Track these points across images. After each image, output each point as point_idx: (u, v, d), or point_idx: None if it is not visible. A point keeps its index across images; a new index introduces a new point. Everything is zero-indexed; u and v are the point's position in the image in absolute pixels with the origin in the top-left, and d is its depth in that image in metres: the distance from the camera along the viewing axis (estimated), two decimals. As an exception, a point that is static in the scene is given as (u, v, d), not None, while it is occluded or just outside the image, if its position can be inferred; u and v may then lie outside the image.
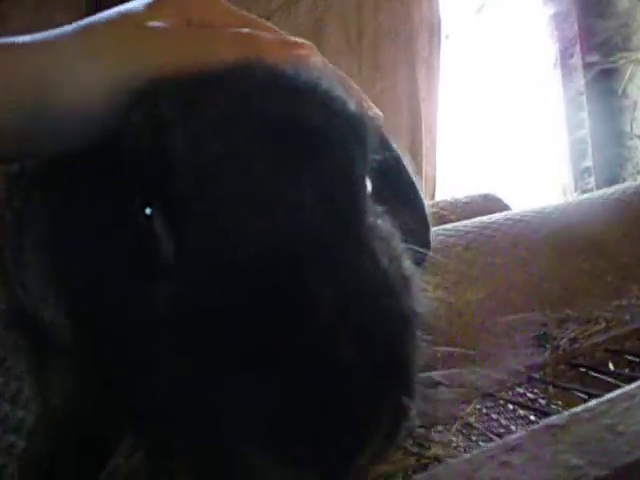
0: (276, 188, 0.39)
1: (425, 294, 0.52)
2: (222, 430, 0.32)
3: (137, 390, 0.37)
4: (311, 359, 0.33)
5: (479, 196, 1.76)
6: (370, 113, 0.67)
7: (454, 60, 3.56)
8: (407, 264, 0.49)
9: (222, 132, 0.41)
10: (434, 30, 3.32)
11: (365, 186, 0.49)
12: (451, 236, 1.07)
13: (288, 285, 0.34)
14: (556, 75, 3.65)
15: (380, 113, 0.74)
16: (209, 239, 0.37)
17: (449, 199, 1.80)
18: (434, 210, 1.71)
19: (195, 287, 0.36)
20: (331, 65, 0.70)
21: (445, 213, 1.50)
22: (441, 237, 1.05)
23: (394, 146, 0.72)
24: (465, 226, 1.12)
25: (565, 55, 3.58)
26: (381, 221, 0.49)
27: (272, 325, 0.34)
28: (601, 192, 1.29)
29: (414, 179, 0.72)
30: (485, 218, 1.17)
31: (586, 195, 1.28)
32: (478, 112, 3.53)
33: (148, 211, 0.41)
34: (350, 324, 0.35)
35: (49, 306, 0.52)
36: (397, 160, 0.71)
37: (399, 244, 0.50)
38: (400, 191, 0.68)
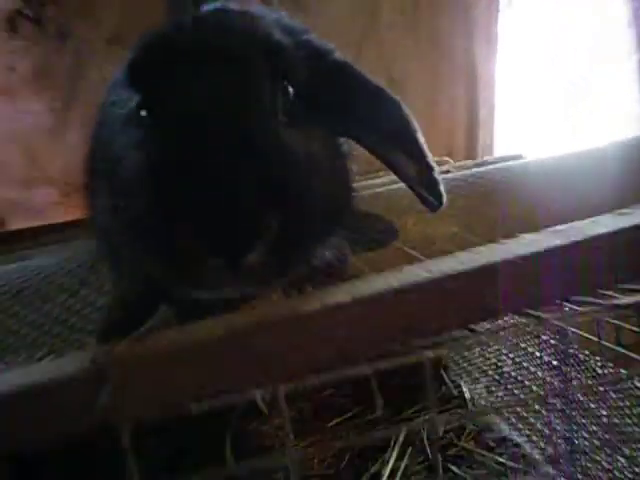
0: (198, 87, 0.62)
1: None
2: (166, 235, 0.54)
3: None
4: (217, 200, 0.54)
5: (510, 157, 1.85)
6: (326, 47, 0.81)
7: (516, 27, 3.50)
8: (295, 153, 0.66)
9: (177, 60, 0.65)
10: (492, 2, 3.31)
11: (275, 84, 0.67)
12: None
13: (201, 143, 0.56)
14: (629, 37, 3.48)
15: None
16: (166, 120, 0.61)
17: (478, 160, 1.90)
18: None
19: (157, 149, 0.63)
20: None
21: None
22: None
23: (370, 82, 0.83)
24: (461, 175, 1.26)
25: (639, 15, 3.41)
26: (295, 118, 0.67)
27: (195, 167, 0.55)
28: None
29: (408, 121, 0.83)
30: (481, 169, 1.30)
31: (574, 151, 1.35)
32: (540, 82, 3.46)
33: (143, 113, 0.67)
34: (236, 171, 0.54)
35: (108, 219, 0.78)
36: (371, 93, 0.83)
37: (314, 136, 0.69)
38: (386, 130, 0.81)
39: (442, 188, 0.78)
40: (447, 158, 2.31)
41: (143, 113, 0.64)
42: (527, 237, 0.63)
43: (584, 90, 3.26)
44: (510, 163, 1.28)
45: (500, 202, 1.16)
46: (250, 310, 0.50)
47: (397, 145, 0.81)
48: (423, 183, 0.78)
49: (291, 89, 0.68)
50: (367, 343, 0.54)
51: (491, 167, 1.29)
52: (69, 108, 3.02)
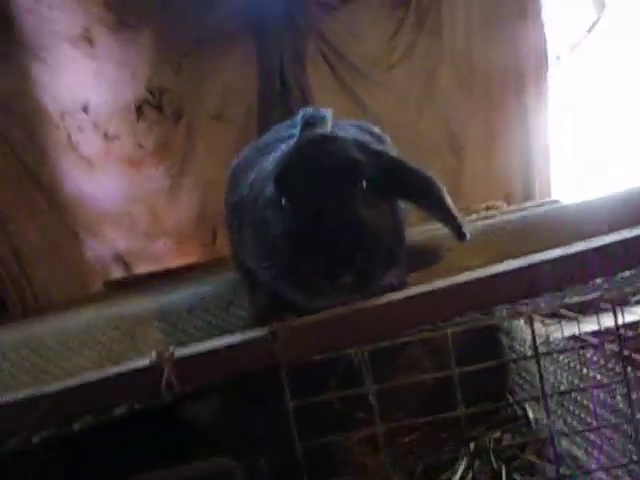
0: (315, 190, 1.09)
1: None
2: (302, 269, 1.01)
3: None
4: (327, 247, 1.01)
5: (548, 202, 2.21)
6: (382, 150, 1.28)
7: (566, 80, 3.80)
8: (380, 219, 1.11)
9: (302, 173, 1.12)
10: (541, 55, 3.68)
11: (357, 184, 1.13)
12: (480, 227, 1.64)
13: (318, 217, 1.04)
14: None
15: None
16: (298, 208, 1.09)
17: (522, 206, 2.27)
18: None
19: (295, 226, 1.08)
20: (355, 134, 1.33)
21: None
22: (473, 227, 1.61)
23: (412, 168, 1.29)
24: (492, 221, 1.67)
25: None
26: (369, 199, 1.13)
27: (317, 234, 1.03)
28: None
29: (434, 188, 1.28)
30: (507, 217, 1.70)
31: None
32: (592, 128, 3.70)
33: (283, 201, 1.14)
34: (337, 231, 1.02)
35: (252, 260, 1.27)
36: (414, 177, 1.27)
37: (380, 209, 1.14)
38: (424, 198, 1.26)
39: (463, 229, 1.22)
40: (499, 203, 2.65)
41: (284, 202, 1.12)
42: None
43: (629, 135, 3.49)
44: (533, 212, 1.62)
45: (523, 243, 1.55)
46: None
47: (432, 208, 1.26)
48: (451, 226, 1.23)
49: (365, 183, 1.14)
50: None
51: (516, 215, 1.66)
52: (182, 174, 3.71)
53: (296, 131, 1.38)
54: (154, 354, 0.96)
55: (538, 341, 2.28)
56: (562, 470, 1.91)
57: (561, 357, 1.96)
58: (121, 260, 3.72)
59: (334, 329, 0.95)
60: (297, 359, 0.95)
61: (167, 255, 3.76)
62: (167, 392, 0.94)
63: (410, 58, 3.68)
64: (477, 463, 2.08)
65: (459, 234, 1.21)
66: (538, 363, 1.14)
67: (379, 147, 1.27)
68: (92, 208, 3.63)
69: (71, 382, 0.97)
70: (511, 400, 2.37)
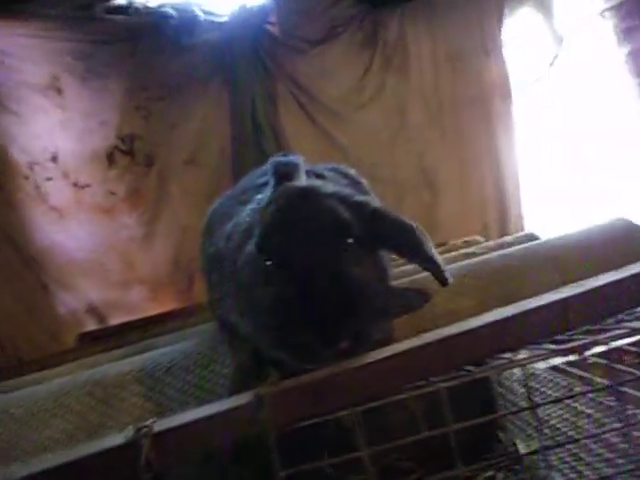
0: (302, 252, 1.05)
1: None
2: (293, 337, 0.96)
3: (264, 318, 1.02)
4: (321, 313, 0.96)
5: (523, 236, 2.22)
6: (366, 202, 1.25)
7: (534, 108, 3.91)
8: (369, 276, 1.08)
9: (287, 233, 1.08)
10: (505, 88, 3.79)
11: (344, 242, 1.10)
12: (462, 267, 1.62)
13: (308, 282, 0.99)
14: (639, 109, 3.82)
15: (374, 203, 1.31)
16: (284, 270, 1.04)
17: (499, 240, 2.27)
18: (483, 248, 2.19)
19: (281, 288, 1.03)
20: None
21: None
22: (456, 269, 1.60)
23: (396, 219, 1.26)
24: (474, 262, 1.66)
25: (645, 88, 3.76)
26: (357, 257, 1.10)
27: (306, 299, 0.98)
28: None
29: (417, 238, 1.26)
30: (487, 256, 1.69)
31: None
32: (559, 158, 3.80)
33: (268, 263, 1.09)
34: (330, 296, 0.97)
35: (234, 315, 1.21)
36: (397, 229, 1.25)
37: (368, 265, 1.11)
38: (407, 248, 1.23)
39: (445, 274, 1.20)
40: (478, 237, 2.66)
41: (268, 263, 1.07)
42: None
43: (599, 162, 3.58)
44: (510, 250, 1.62)
45: (506, 282, 1.54)
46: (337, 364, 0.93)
47: (416, 254, 1.24)
48: (434, 274, 1.20)
49: (351, 240, 1.12)
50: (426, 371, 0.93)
51: (496, 253, 1.65)
52: (156, 220, 3.65)
53: (269, 184, 1.35)
54: (130, 429, 0.88)
55: (522, 374, 2.26)
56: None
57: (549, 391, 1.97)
58: (95, 311, 3.60)
59: (324, 391, 0.90)
60: (286, 425, 0.89)
61: (142, 304, 3.65)
62: (146, 472, 0.86)
63: (380, 96, 3.75)
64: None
65: (442, 280, 1.19)
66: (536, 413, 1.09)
67: (360, 197, 1.25)
68: (63, 259, 3.52)
69: (34, 467, 0.89)
70: (501, 437, 2.35)
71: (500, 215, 3.65)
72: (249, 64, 3.74)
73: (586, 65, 4.00)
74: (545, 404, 1.62)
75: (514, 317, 0.96)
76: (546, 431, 2.19)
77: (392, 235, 1.22)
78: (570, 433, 2.01)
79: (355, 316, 1.00)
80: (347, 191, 1.25)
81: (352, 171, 1.68)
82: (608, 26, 3.76)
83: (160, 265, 3.65)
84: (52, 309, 3.49)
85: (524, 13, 4.16)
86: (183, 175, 3.70)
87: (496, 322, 0.98)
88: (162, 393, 1.34)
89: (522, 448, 2.30)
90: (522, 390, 2.24)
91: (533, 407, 1.10)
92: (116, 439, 0.89)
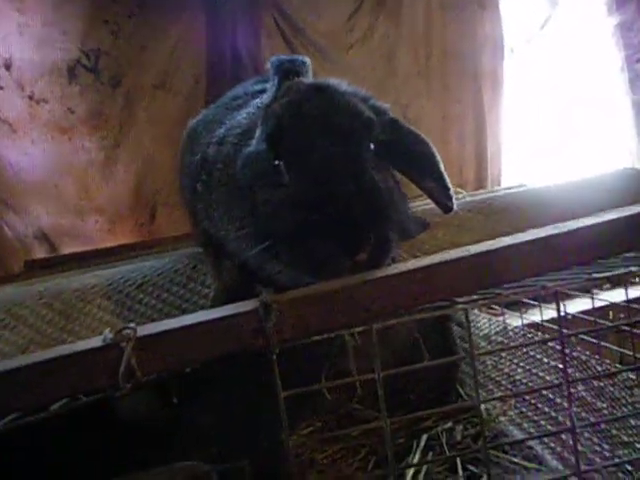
0: (322, 149, 0.90)
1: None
2: (309, 243, 0.83)
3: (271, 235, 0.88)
4: (340, 220, 0.83)
5: (517, 186, 2.16)
6: (385, 107, 1.11)
7: (520, 71, 3.85)
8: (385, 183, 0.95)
9: (303, 128, 0.93)
10: (497, 45, 3.68)
11: (367, 144, 0.97)
12: (466, 203, 1.54)
13: (328, 184, 0.85)
14: (622, 80, 3.81)
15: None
16: (299, 170, 0.89)
17: (491, 190, 2.21)
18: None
19: (295, 190, 0.88)
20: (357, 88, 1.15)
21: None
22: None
23: (413, 131, 1.13)
24: (478, 199, 1.57)
25: (631, 60, 3.75)
26: (376, 166, 0.97)
27: (326, 202, 0.84)
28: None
29: (433, 153, 1.13)
30: (492, 194, 1.61)
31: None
32: (544, 119, 3.78)
33: (276, 162, 0.94)
34: (353, 201, 0.84)
35: (223, 229, 1.06)
36: (414, 139, 1.12)
37: (386, 178, 0.98)
38: (420, 162, 1.11)
39: (452, 196, 1.10)
40: (460, 189, 2.59)
41: (279, 163, 0.92)
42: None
43: (582, 126, 3.58)
44: (514, 191, 1.56)
45: (506, 221, 1.46)
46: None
47: (427, 173, 1.12)
48: (442, 194, 1.09)
49: (372, 146, 0.98)
50: (422, 296, 0.82)
51: (500, 193, 1.58)
52: (118, 145, 3.37)
53: (271, 84, 1.18)
54: (108, 332, 0.74)
55: (496, 329, 2.24)
56: (516, 460, 1.93)
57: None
58: (45, 238, 3.33)
59: (336, 303, 0.77)
60: (292, 339, 0.76)
61: (99, 235, 3.41)
62: (126, 380, 0.72)
63: (369, 40, 3.56)
64: (430, 454, 2.03)
65: (447, 205, 1.08)
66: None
67: (379, 102, 1.11)
68: (13, 179, 3.22)
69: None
70: (461, 391, 2.35)
71: (478, 171, 3.59)
72: (232, -13, 3.45)
73: (576, 31, 3.95)
74: (495, 352, 1.57)
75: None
76: (509, 385, 2.19)
77: (408, 146, 1.09)
78: (530, 384, 2.00)
79: (378, 226, 0.88)
80: (366, 93, 1.11)
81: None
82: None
83: (120, 195, 3.40)
84: (-2, 232, 3.21)
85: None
86: (152, 100, 3.42)
87: (522, 244, 0.87)
88: (132, 310, 1.19)
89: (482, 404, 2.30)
90: (482, 343, 2.22)
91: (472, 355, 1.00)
92: (92, 341, 0.75)
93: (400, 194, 1.06)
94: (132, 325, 0.74)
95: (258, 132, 1.06)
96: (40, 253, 3.31)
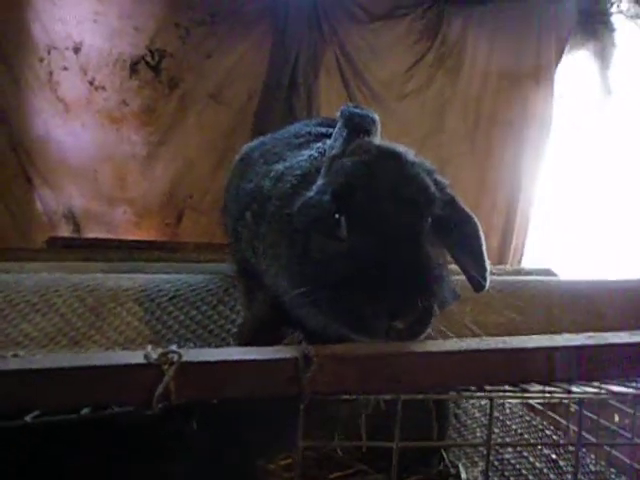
0: (387, 214, 0.93)
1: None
2: (354, 297, 0.85)
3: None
4: (392, 285, 0.86)
5: (542, 269, 2.17)
6: (445, 184, 1.14)
7: (563, 150, 3.87)
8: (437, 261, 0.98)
9: (371, 191, 0.96)
10: (545, 122, 3.73)
11: (427, 218, 1.00)
12: (494, 286, 1.55)
13: (386, 249, 0.88)
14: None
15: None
16: (361, 228, 0.93)
17: (516, 267, 2.22)
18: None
19: (352, 245, 0.91)
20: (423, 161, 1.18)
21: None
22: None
23: (466, 211, 1.16)
24: (510, 279, 1.59)
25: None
26: (430, 239, 1.00)
27: (380, 263, 0.87)
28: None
29: (479, 235, 1.16)
30: (525, 278, 1.63)
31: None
32: (579, 203, 3.75)
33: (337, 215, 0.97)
34: (406, 269, 0.87)
35: (265, 263, 1.09)
36: (466, 218, 1.15)
37: (437, 253, 1.00)
38: (466, 240, 1.13)
39: (488, 279, 1.11)
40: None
41: (340, 219, 0.95)
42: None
43: (615, 222, 3.56)
44: (547, 278, 1.58)
45: (532, 308, 1.48)
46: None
47: (469, 250, 1.14)
48: (478, 273, 1.11)
49: (430, 219, 1.01)
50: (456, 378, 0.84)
51: (532, 278, 1.60)
52: (163, 144, 3.46)
53: (338, 134, 1.22)
54: (152, 351, 0.76)
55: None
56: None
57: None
58: (73, 219, 3.40)
59: (373, 369, 0.79)
60: (324, 394, 0.78)
61: (125, 226, 3.47)
62: (160, 402, 0.74)
63: (424, 93, 3.63)
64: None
65: (480, 284, 1.10)
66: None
67: (440, 177, 1.14)
68: (56, 157, 3.30)
69: (31, 362, 0.76)
70: (445, 457, 2.32)
71: (503, 243, 3.60)
72: (302, 18, 3.57)
73: (629, 122, 3.96)
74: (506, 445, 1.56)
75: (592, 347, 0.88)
76: (495, 462, 2.16)
77: (458, 223, 1.12)
78: (518, 467, 1.97)
79: (425, 298, 0.90)
80: (429, 165, 1.15)
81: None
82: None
83: (153, 191, 3.47)
84: (29, 204, 3.28)
85: (582, 56, 4.11)
86: (204, 108, 3.51)
87: (577, 347, 0.89)
88: (161, 321, 1.22)
89: (463, 472, 2.27)
90: (477, 414, 2.20)
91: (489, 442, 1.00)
92: (135, 356, 0.77)
93: (447, 270, 1.09)
94: (177, 349, 0.76)
95: (321, 181, 1.09)
96: (65, 232, 3.37)
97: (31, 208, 3.30)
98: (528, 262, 3.70)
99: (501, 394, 0.85)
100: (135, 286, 1.27)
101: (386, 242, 0.91)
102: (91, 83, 3.33)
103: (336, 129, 1.23)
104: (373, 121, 1.21)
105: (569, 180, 3.80)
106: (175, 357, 0.75)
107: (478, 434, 2.26)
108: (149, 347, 0.78)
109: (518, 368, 0.83)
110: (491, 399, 0.88)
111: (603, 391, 0.90)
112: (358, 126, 1.17)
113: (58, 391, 0.76)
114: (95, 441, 0.96)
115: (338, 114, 1.27)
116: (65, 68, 3.27)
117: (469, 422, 2.20)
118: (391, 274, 0.88)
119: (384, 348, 0.81)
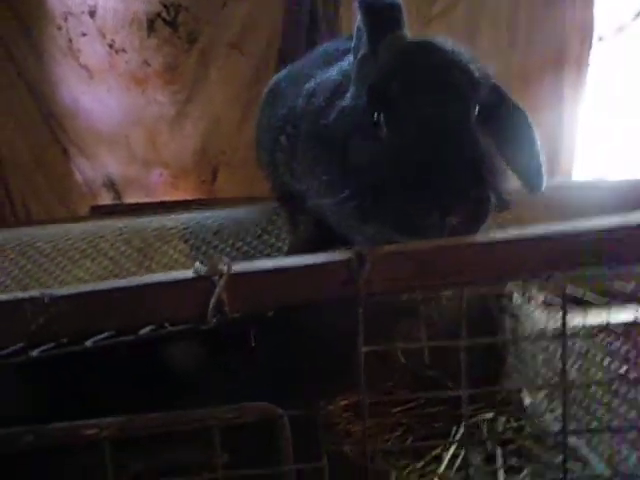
0: (430, 104, 0.87)
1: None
2: (402, 199, 0.80)
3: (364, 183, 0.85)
4: (440, 179, 0.80)
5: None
6: (489, 71, 1.06)
7: (606, 62, 3.63)
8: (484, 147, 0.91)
9: (410, 82, 0.90)
10: (586, 34, 3.47)
11: (474, 105, 0.93)
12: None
13: (431, 148, 0.82)
14: None
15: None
16: (402, 123, 0.87)
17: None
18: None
19: (394, 143, 0.86)
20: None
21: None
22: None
23: (513, 100, 1.08)
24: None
25: None
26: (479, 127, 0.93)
27: (427, 159, 0.81)
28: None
29: (531, 125, 1.08)
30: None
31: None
32: (626, 113, 3.56)
33: (377, 115, 0.91)
34: (456, 162, 0.81)
35: (306, 182, 1.06)
36: (514, 107, 1.08)
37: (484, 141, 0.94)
38: (517, 132, 1.06)
39: (544, 178, 1.04)
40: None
41: (378, 118, 0.89)
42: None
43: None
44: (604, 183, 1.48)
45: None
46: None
47: (522, 148, 1.06)
48: (534, 172, 1.03)
49: (477, 107, 0.94)
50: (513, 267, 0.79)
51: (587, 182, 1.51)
52: (190, 101, 3.42)
53: (360, 30, 1.11)
54: (201, 265, 0.74)
55: (550, 327, 2.15)
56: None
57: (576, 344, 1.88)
58: (112, 186, 3.44)
59: (434, 263, 0.75)
60: (381, 293, 0.75)
61: (162, 187, 3.49)
62: (214, 314, 0.73)
63: (451, 14, 3.43)
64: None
65: (537, 185, 1.03)
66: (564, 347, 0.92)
67: (483, 65, 1.06)
68: (87, 125, 3.32)
69: (89, 287, 0.75)
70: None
71: (549, 161, 3.43)
72: (316, -49, 3.39)
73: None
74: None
75: None
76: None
77: (507, 116, 1.05)
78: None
79: (477, 189, 0.84)
80: (472, 54, 1.07)
81: None
82: None
83: (186, 151, 3.45)
84: (68, 175, 3.33)
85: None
86: (226, 59, 3.43)
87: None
88: (207, 255, 1.21)
89: (526, 398, 2.25)
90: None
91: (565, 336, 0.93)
92: (183, 273, 0.75)
93: (500, 162, 1.02)
94: (227, 259, 0.74)
95: (353, 87, 1.03)
96: (106, 200, 3.42)
97: (71, 179, 3.35)
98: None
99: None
100: (178, 225, 1.26)
101: (430, 134, 0.85)
102: (111, 46, 3.29)
103: (356, 26, 1.12)
104: (398, 7, 1.08)
105: (617, 89, 3.57)
106: (225, 268, 0.73)
107: (540, 357, 2.21)
108: (197, 263, 0.77)
109: (590, 251, 0.77)
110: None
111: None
112: (382, 16, 1.06)
113: (119, 312, 0.75)
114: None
115: (355, 5, 1.14)
116: (84, 34, 3.24)
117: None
118: (438, 167, 0.82)
119: (439, 242, 0.77)
